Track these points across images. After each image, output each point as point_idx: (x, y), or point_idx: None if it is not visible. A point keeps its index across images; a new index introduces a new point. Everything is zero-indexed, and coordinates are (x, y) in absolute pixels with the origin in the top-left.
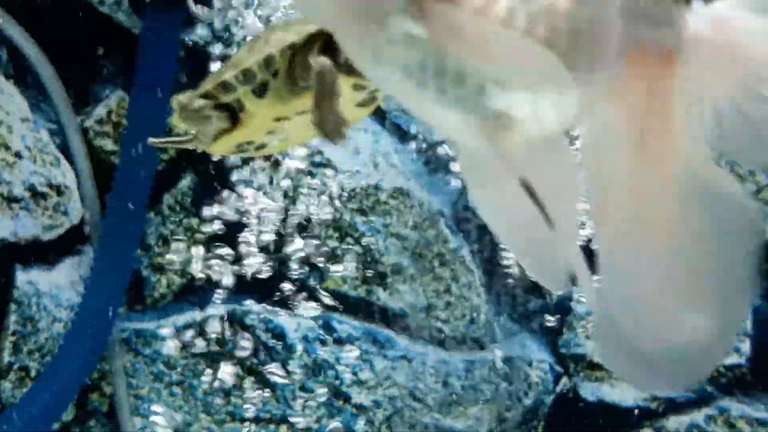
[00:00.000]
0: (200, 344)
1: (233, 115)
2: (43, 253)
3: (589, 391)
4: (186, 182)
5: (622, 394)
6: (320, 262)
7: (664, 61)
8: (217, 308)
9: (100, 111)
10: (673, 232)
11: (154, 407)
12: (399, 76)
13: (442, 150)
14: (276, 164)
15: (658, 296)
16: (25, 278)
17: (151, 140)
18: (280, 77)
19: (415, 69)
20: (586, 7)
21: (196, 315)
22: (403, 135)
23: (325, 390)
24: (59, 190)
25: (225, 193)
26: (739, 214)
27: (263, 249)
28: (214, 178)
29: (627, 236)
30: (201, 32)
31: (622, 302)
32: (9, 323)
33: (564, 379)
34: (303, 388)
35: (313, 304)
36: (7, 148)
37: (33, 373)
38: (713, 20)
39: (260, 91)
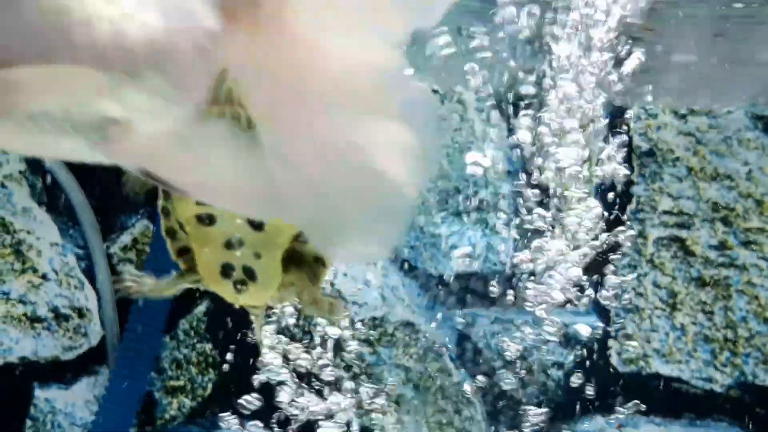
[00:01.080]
0: None
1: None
2: (61, 372)
3: None
4: (202, 308)
5: None
6: (327, 390)
7: None
8: (225, 431)
9: (124, 238)
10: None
11: None
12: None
13: (447, 286)
14: None
15: None
16: (42, 396)
17: None
18: None
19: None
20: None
21: None
22: (410, 269)
23: None
24: (81, 313)
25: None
26: None
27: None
28: (229, 305)
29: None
30: None
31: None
32: None
33: None
34: None
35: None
36: (35, 270)
37: None
38: None
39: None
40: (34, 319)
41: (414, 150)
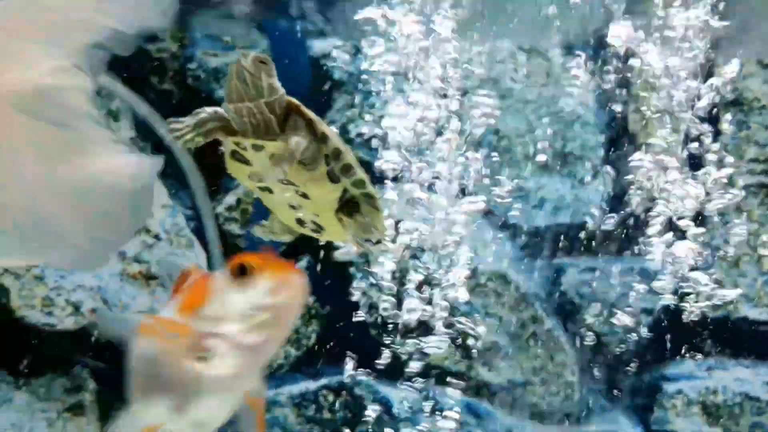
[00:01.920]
0: (314, 412)
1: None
2: None
3: None
4: (302, 264)
5: None
6: (425, 338)
7: None
8: (329, 379)
9: (229, 199)
10: None
11: None
12: None
13: (537, 237)
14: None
15: None
16: None
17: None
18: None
19: None
20: None
21: (310, 385)
22: (501, 223)
23: None
24: None
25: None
26: None
27: (373, 326)
28: (329, 261)
29: None
30: None
31: None
32: None
33: None
34: None
35: (418, 377)
36: (148, 231)
37: None
38: None
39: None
40: (149, 277)
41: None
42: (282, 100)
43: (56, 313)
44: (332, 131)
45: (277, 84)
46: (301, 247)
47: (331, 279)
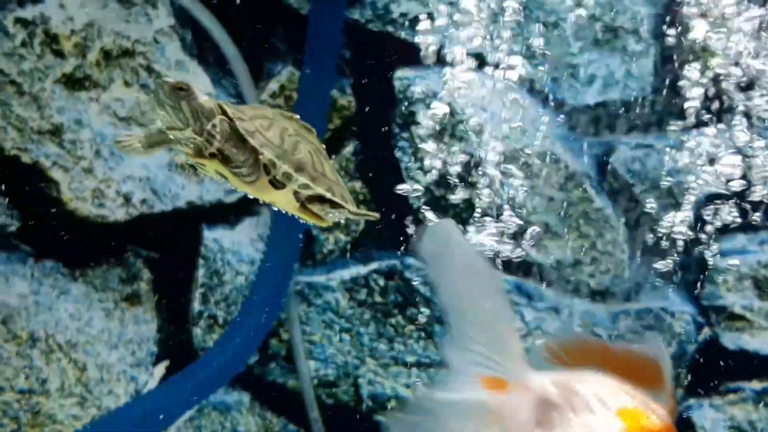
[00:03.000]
0: (365, 296)
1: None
2: (225, 214)
3: (730, 340)
4: (349, 149)
5: (763, 343)
6: (473, 219)
7: None
8: (379, 263)
9: (272, 86)
10: None
11: (326, 351)
12: None
13: (585, 115)
14: (435, 131)
15: None
16: (210, 236)
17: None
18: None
19: None
20: None
21: (361, 269)
22: (548, 100)
23: None
24: None
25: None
26: None
27: (423, 209)
28: (376, 145)
29: None
30: (363, 11)
31: None
32: (198, 276)
33: (706, 329)
34: None
35: None
36: None
37: (220, 321)
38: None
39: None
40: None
41: None
42: (212, 116)
43: (107, 205)
44: (271, 138)
45: (203, 101)
46: (345, 131)
47: (377, 161)
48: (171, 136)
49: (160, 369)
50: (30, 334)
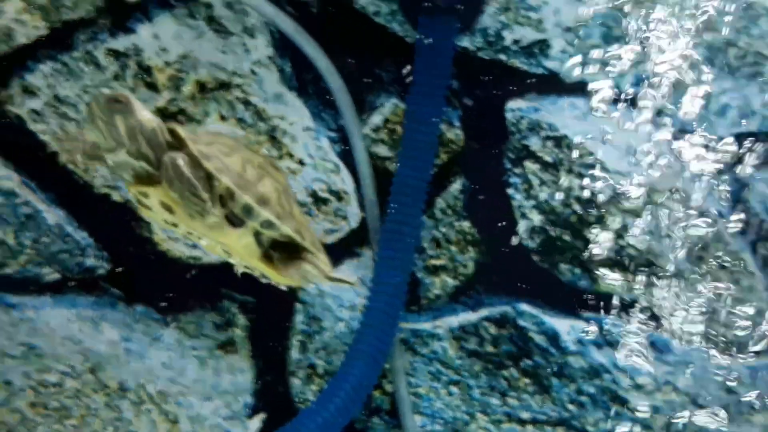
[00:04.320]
0: (475, 345)
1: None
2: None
3: None
4: (457, 186)
5: None
6: (592, 265)
7: None
8: (490, 309)
9: (375, 119)
10: None
11: (433, 405)
12: None
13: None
14: (550, 165)
15: None
16: None
17: None
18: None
19: None
20: None
21: (470, 316)
22: (678, 133)
23: (602, 394)
24: (339, 196)
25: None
26: None
27: (535, 252)
28: (486, 182)
29: None
30: (472, 38)
31: None
32: (296, 322)
33: None
34: (579, 391)
35: (584, 306)
36: (291, 156)
37: (320, 371)
38: None
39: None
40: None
41: None
42: (154, 136)
43: (200, 246)
44: (231, 165)
45: (144, 118)
46: (453, 168)
47: (487, 200)
48: (108, 161)
49: (256, 422)
50: (120, 383)
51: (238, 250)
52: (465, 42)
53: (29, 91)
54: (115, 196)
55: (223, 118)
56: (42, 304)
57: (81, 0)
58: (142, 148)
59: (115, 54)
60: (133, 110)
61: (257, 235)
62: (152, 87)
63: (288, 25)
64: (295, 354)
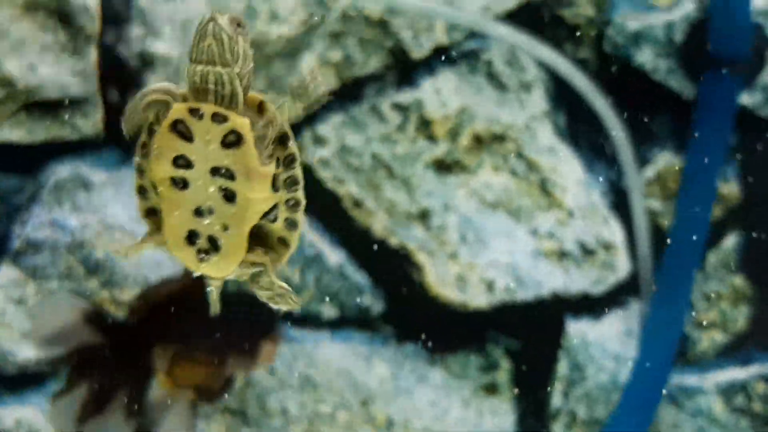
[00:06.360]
0: (742, 402)
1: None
2: (591, 305)
3: None
4: (731, 241)
5: None
6: None
7: None
8: (761, 366)
9: (647, 172)
10: None
11: None
12: None
13: None
14: None
15: None
16: (574, 327)
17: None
18: None
19: None
20: None
21: (738, 373)
22: None
23: None
24: (607, 247)
25: None
26: None
27: None
28: (764, 237)
29: None
30: (751, 93)
31: None
32: (559, 369)
33: None
34: None
35: None
36: (560, 206)
37: (580, 419)
38: None
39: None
40: (562, 254)
41: None
42: (251, 76)
43: (470, 291)
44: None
45: (251, 53)
46: (727, 222)
47: (765, 255)
48: (197, 76)
49: None
50: (388, 418)
51: (249, 208)
52: (743, 98)
53: (319, 141)
54: (393, 241)
55: (495, 169)
56: (320, 338)
57: (371, 57)
58: (247, 76)
59: (399, 108)
60: (248, 38)
61: (273, 207)
62: (431, 138)
63: (581, 81)
64: (556, 400)
